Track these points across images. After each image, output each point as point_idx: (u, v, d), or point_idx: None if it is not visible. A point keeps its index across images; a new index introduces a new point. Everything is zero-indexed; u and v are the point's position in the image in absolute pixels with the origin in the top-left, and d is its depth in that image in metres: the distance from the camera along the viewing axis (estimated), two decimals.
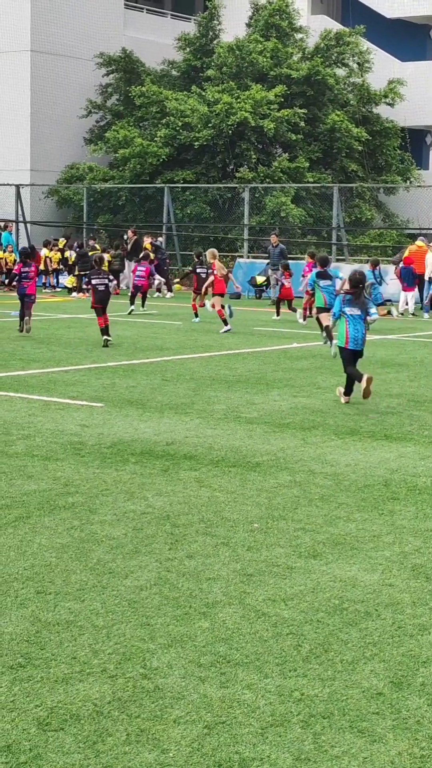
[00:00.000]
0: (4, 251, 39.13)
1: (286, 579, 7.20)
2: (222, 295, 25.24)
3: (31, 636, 6.12)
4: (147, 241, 36.70)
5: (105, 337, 21.09)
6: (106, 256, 27.58)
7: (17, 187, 44.88)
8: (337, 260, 38.78)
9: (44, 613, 6.48)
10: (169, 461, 10.71)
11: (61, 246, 39.94)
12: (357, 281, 14.74)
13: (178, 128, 44.02)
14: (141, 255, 30.94)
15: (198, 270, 27.98)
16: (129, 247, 36.52)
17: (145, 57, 48.81)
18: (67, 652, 5.91)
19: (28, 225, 45.09)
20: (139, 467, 10.43)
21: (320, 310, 21.40)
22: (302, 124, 44.33)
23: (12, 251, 39.17)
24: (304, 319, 26.77)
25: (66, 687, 5.48)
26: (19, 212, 44.92)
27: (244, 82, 45.19)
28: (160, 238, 40.14)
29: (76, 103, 47.73)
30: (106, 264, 25.00)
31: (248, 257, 40.64)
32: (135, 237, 36.82)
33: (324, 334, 21.54)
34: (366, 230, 43.66)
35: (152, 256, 31.87)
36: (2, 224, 41.32)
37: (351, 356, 14.62)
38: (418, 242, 33.13)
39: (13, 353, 19.39)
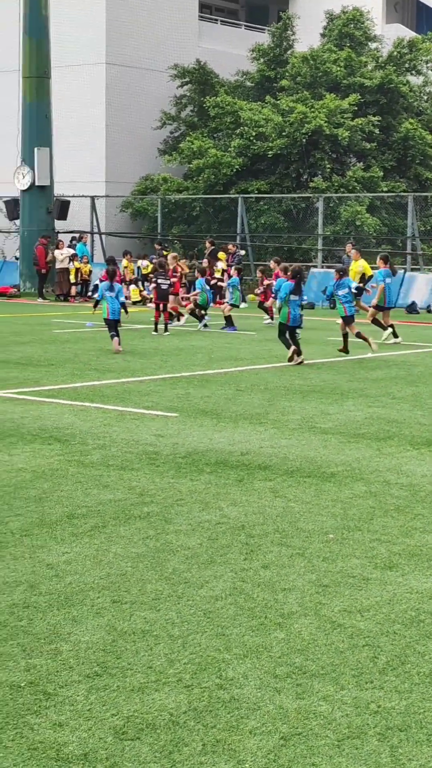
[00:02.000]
0: (80, 262, 39.43)
1: (362, 590, 7.16)
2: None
3: (107, 645, 6.15)
4: (231, 248, 36.73)
5: (167, 324, 25.75)
6: (183, 266, 28.35)
7: (92, 198, 45.24)
8: (412, 269, 38.54)
9: (120, 623, 6.50)
10: (243, 471, 10.71)
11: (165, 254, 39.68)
12: (297, 273, 20.15)
13: (251, 138, 44.09)
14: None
15: (159, 281, 27.11)
16: (206, 257, 36.60)
17: (219, 68, 49.00)
18: (143, 662, 5.93)
19: (103, 236, 45.43)
20: (213, 477, 10.44)
21: (200, 307, 27.70)
22: (376, 132, 44.18)
23: (87, 262, 39.46)
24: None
25: (142, 696, 5.49)
26: (94, 223, 45.27)
27: (318, 92, 45.18)
28: (242, 251, 40.12)
29: (150, 115, 48.05)
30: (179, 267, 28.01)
31: (322, 267, 40.55)
32: (212, 247, 36.90)
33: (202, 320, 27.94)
34: None
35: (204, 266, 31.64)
36: (77, 235, 41.68)
37: (291, 330, 20.05)
38: None
39: (88, 363, 19.53)
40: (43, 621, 6.50)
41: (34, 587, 7.10)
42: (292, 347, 19.80)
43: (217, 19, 54.57)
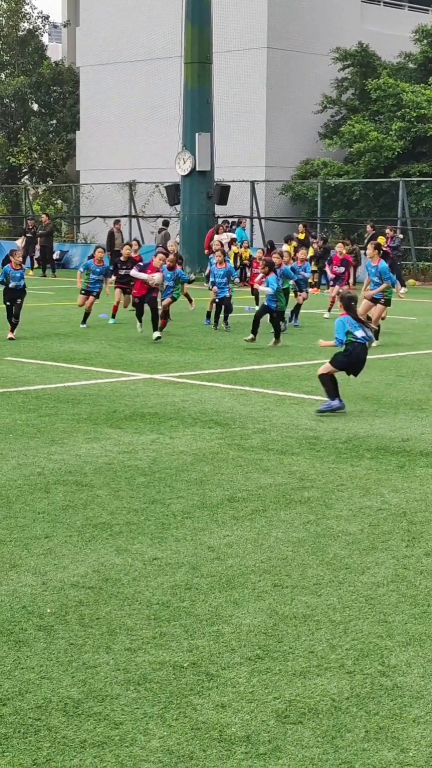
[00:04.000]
0: (240, 247, 39.48)
1: None
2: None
3: (268, 628, 6.16)
4: (389, 232, 36.30)
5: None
6: (342, 248, 27.79)
7: (252, 183, 45.31)
8: None
9: (281, 606, 6.51)
10: (404, 458, 10.60)
11: (302, 238, 39.38)
12: (273, 266, 20.85)
13: (413, 120, 43.52)
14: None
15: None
16: (366, 242, 36.29)
17: (381, 50, 48.43)
18: (305, 646, 5.92)
19: (262, 221, 45.47)
20: (374, 463, 10.36)
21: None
22: None
23: (247, 247, 39.53)
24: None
25: (304, 681, 5.49)
26: (254, 208, 45.33)
27: None
28: (400, 235, 39.65)
29: (311, 99, 47.79)
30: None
31: None
32: (373, 232, 36.57)
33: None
34: None
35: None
36: (236, 220, 41.78)
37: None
38: None
39: (248, 348, 19.58)
40: (205, 603, 6.56)
41: (196, 569, 7.17)
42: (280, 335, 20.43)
43: (380, 1, 53.96)
